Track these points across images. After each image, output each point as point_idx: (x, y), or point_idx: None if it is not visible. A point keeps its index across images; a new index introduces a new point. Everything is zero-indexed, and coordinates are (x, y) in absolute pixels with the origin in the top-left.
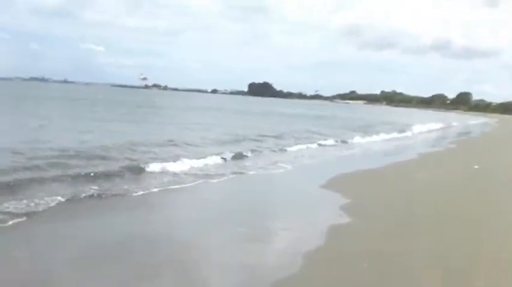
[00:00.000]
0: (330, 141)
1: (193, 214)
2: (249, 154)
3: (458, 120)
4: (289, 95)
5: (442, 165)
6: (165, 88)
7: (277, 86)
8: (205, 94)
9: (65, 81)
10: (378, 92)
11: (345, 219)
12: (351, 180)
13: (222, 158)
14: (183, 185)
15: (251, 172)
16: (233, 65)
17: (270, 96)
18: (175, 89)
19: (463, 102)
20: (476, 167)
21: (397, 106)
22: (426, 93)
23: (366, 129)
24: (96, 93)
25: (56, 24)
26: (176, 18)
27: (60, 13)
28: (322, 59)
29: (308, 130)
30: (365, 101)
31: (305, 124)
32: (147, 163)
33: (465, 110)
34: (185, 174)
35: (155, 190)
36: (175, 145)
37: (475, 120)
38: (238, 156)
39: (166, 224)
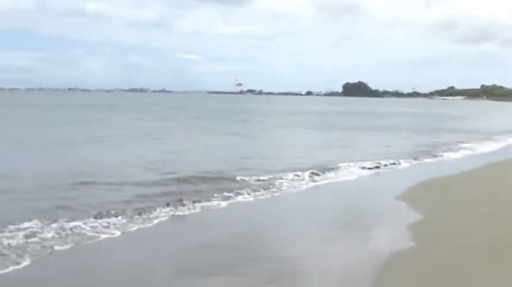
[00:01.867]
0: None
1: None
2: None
3: None
4: (384, 94)
5: None
6: (260, 93)
7: (372, 85)
8: (299, 97)
9: (163, 91)
10: (477, 86)
11: (408, 243)
12: (433, 189)
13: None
14: None
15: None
16: (327, 66)
17: (365, 95)
18: (270, 93)
19: None
20: None
21: (498, 100)
22: None
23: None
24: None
25: (152, 36)
26: (269, 23)
27: (157, 25)
28: (417, 55)
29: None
30: (464, 97)
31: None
32: None
33: None
34: None
35: None
36: None
37: None
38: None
39: None
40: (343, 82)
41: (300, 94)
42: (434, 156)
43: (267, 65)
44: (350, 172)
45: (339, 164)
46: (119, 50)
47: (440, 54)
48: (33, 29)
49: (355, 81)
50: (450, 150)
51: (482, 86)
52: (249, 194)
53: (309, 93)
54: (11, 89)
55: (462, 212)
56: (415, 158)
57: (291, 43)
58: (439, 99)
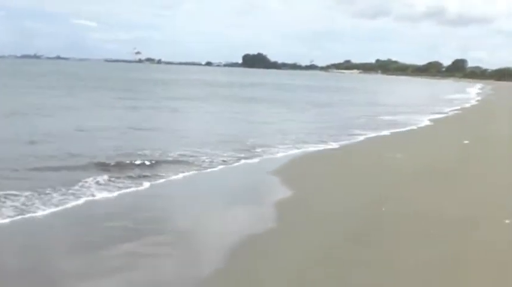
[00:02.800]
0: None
1: None
2: None
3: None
4: (283, 66)
5: (426, 141)
6: (159, 62)
7: (272, 57)
8: (199, 67)
9: (58, 58)
10: (372, 60)
11: (268, 224)
12: (311, 163)
13: None
14: None
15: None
16: (227, 37)
17: (265, 67)
18: (170, 63)
19: (458, 69)
20: (466, 142)
21: (392, 74)
22: (421, 61)
23: None
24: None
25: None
26: None
27: None
28: (316, 28)
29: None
30: (360, 71)
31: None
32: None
33: (460, 77)
34: None
35: None
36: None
37: (470, 87)
38: None
39: None
40: (243, 53)
41: (200, 64)
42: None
43: (168, 34)
44: (258, 151)
45: (249, 141)
46: (11, 14)
47: (338, 28)
48: None
49: (255, 52)
50: (373, 127)
51: (377, 60)
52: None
53: (208, 63)
54: None
55: (337, 187)
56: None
57: (192, 12)
58: (335, 73)
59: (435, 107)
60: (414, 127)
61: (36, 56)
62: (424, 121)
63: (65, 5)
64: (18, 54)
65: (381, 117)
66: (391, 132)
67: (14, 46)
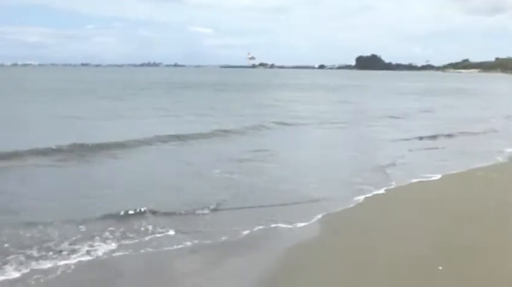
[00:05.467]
0: None
1: None
2: None
3: None
4: (398, 67)
5: None
6: (272, 66)
7: (386, 58)
8: (313, 70)
9: (176, 65)
10: (492, 59)
11: None
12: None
13: None
14: None
15: None
16: (339, 40)
17: (379, 69)
18: (282, 67)
19: None
20: None
21: None
22: None
23: None
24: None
25: (163, 9)
26: None
27: None
28: (430, 27)
29: None
30: (479, 70)
31: None
32: None
33: None
34: None
35: None
36: None
37: None
38: None
39: None
40: (356, 55)
41: (312, 67)
42: None
43: (280, 39)
44: None
45: None
46: (130, 25)
47: (453, 26)
48: (44, 3)
49: (368, 54)
50: None
51: (497, 58)
52: None
53: (321, 66)
54: (24, 65)
55: None
56: None
57: (304, 16)
58: (452, 73)
59: None
60: None
61: (155, 64)
62: None
63: (181, 13)
64: (137, 63)
65: None
66: None
67: (133, 55)
